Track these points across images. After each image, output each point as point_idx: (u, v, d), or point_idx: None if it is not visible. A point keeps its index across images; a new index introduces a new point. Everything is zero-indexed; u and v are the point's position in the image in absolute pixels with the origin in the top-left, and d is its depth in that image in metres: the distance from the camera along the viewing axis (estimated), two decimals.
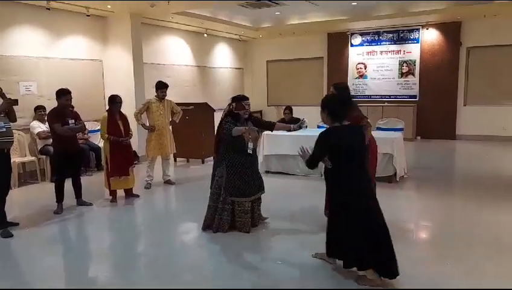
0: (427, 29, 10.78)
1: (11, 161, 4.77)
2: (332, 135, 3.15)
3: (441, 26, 10.64)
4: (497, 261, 3.63)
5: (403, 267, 3.13)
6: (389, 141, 6.18)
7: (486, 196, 5.63)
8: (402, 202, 5.61)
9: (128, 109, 6.63)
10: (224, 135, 4.19)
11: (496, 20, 9.84)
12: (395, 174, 6.25)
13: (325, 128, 3.28)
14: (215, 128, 8.57)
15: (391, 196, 5.56)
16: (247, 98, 4.34)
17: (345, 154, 3.13)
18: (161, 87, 6.41)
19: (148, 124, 6.50)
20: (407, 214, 5.14)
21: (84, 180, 5.90)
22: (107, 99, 5.94)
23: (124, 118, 5.74)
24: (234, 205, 4.30)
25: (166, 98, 6.49)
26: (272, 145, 7.04)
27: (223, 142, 4.29)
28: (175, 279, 3.48)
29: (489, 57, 10.33)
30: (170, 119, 6.61)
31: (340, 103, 3.26)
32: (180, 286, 3.34)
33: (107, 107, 5.79)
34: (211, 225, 4.41)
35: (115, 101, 5.63)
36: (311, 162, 3.29)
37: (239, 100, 4.28)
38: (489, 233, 4.31)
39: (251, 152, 4.27)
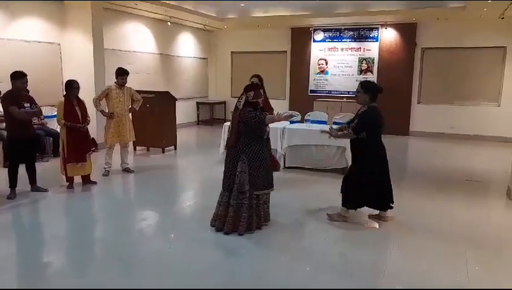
0: (386, 28, 11.21)
1: None
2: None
3: (398, 27, 11.10)
4: (435, 247, 3.97)
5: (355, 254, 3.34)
6: None
7: (433, 188, 6.06)
8: None
9: (87, 94, 6.53)
10: (255, 123, 3.96)
11: (447, 23, 10.41)
12: (348, 166, 6.53)
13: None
14: (176, 117, 8.73)
15: None
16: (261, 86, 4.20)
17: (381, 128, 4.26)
18: (121, 74, 6.35)
19: (107, 111, 6.44)
20: None
21: (40, 166, 5.79)
22: (65, 84, 5.82)
23: (82, 104, 5.66)
24: (259, 198, 4.15)
25: (126, 85, 6.44)
26: None
27: (243, 134, 4.04)
28: (132, 267, 3.54)
29: (442, 58, 10.90)
30: (130, 107, 6.57)
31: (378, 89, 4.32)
32: (138, 275, 3.40)
33: (65, 93, 5.69)
34: (225, 222, 4.13)
35: (72, 86, 5.53)
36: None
37: (256, 88, 4.12)
38: (433, 221, 4.67)
39: (267, 136, 4.22)
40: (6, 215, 4.72)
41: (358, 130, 4.24)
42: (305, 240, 4.18)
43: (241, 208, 4.06)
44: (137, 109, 6.68)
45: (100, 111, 6.39)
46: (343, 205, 4.50)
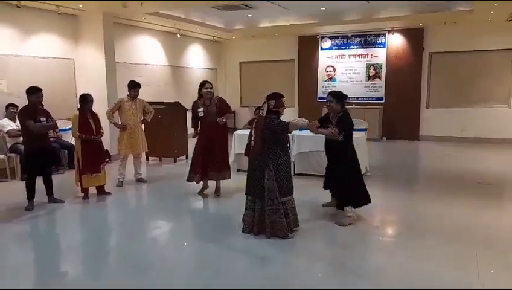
0: (393, 34, 11.27)
1: None
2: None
3: (405, 32, 11.16)
4: (446, 249, 3.98)
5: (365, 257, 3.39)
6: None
7: (444, 191, 6.05)
8: None
9: (100, 107, 6.71)
10: (281, 130, 4.12)
11: (454, 27, 10.43)
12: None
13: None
14: (188, 127, 8.86)
15: None
16: (284, 96, 4.26)
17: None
18: (133, 86, 6.52)
19: (120, 123, 6.59)
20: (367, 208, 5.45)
21: (56, 178, 5.94)
22: (79, 97, 6.00)
23: (95, 117, 5.82)
24: (285, 204, 4.23)
25: (138, 97, 6.60)
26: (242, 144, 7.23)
27: (269, 141, 4.15)
28: (146, 275, 3.61)
29: (450, 62, 10.92)
30: (142, 118, 6.72)
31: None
32: (152, 282, 3.47)
33: (79, 106, 5.86)
34: (261, 228, 4.24)
35: (86, 100, 5.71)
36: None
37: (279, 97, 4.22)
38: (443, 224, 4.68)
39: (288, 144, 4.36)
40: (25, 226, 4.87)
41: (343, 132, 4.61)
42: (318, 245, 4.23)
43: (277, 213, 4.15)
44: (149, 121, 6.82)
45: (113, 123, 6.55)
46: (348, 205, 4.69)
